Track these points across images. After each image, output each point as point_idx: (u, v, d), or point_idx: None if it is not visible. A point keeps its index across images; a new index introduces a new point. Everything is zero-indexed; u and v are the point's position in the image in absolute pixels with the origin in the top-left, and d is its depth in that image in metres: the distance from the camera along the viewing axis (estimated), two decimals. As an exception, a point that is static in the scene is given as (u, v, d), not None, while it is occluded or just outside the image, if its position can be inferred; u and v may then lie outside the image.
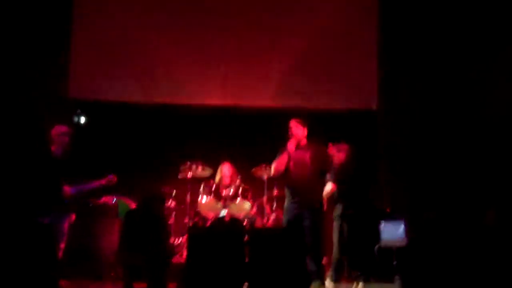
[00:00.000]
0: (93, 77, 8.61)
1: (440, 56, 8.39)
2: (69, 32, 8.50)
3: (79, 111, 8.64)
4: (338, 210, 6.69)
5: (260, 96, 8.72)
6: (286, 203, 6.56)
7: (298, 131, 6.50)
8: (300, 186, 6.36)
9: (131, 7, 8.69)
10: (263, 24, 8.79)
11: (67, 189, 6.48)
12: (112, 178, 6.71)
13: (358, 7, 8.90)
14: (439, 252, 6.90)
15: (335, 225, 6.71)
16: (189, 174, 7.83)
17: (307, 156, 6.43)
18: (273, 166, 6.58)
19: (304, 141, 6.53)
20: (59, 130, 6.58)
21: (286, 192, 6.62)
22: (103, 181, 6.64)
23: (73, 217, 6.72)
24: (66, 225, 6.52)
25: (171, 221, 7.77)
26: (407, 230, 6.95)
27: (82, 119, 8.59)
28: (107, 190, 7.20)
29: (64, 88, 8.47)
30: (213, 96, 8.69)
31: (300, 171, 6.40)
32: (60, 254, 6.46)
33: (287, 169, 6.46)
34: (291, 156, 6.42)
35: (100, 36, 8.61)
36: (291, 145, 6.41)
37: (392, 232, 7.01)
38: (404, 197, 8.07)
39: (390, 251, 6.72)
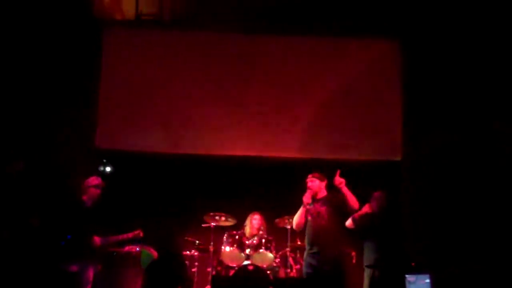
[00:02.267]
0: (120, 127, 8.75)
1: (464, 108, 8.40)
2: (97, 82, 8.69)
3: (105, 160, 8.76)
4: (369, 259, 6.67)
5: (285, 148, 8.77)
6: (305, 255, 6.58)
7: (313, 184, 6.64)
8: (319, 238, 6.41)
9: (158, 61, 8.86)
10: (290, 76, 8.92)
11: (97, 239, 6.58)
12: (139, 233, 6.97)
13: (383, 62, 9.00)
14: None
15: (366, 273, 6.69)
16: (213, 224, 7.87)
17: (323, 208, 6.52)
18: (294, 220, 6.72)
19: (323, 193, 6.66)
20: (92, 182, 6.76)
21: (306, 244, 6.66)
22: (130, 235, 6.92)
23: (99, 267, 6.80)
24: (91, 274, 6.58)
25: (194, 270, 7.75)
26: (433, 284, 6.84)
27: (108, 169, 8.70)
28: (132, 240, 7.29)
29: (91, 138, 8.61)
30: (239, 147, 8.76)
31: (318, 223, 6.47)
32: None
33: (306, 222, 6.57)
34: (308, 209, 6.54)
35: (127, 88, 8.78)
36: (306, 198, 6.55)
37: (418, 285, 6.90)
38: (428, 250, 7.95)
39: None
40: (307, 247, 6.59)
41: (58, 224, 6.60)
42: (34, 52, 8.33)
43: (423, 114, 8.65)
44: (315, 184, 6.64)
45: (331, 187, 6.63)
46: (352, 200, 6.45)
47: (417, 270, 7.14)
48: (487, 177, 8.10)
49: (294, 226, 6.78)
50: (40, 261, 6.56)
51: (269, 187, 8.62)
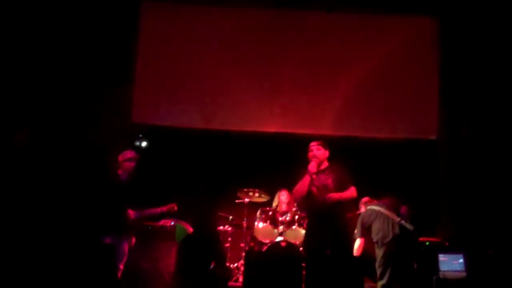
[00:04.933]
0: (156, 103, 8.83)
1: (501, 87, 8.28)
2: (134, 59, 8.76)
3: (141, 135, 8.86)
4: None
5: (319, 125, 8.74)
6: (308, 229, 6.36)
7: (319, 153, 6.24)
8: (324, 212, 6.06)
9: (194, 37, 8.89)
10: (325, 53, 8.87)
11: (131, 213, 6.69)
12: (173, 206, 6.95)
13: (419, 39, 8.87)
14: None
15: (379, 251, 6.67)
16: (246, 200, 7.94)
17: (329, 180, 6.15)
18: (295, 189, 6.29)
19: (325, 164, 6.28)
20: (126, 156, 6.83)
21: (309, 217, 6.44)
22: (164, 208, 6.90)
23: (134, 240, 6.91)
24: (126, 247, 6.70)
25: (227, 245, 7.86)
26: (467, 263, 6.82)
27: (144, 144, 8.80)
28: (166, 214, 7.38)
29: (127, 114, 8.70)
30: (272, 124, 8.77)
31: (324, 195, 6.08)
32: (119, 274, 6.62)
33: (309, 193, 6.17)
34: (313, 179, 6.18)
35: (163, 64, 8.86)
36: (312, 168, 6.13)
37: (451, 264, 6.89)
38: (464, 229, 7.91)
39: (449, 282, 6.59)
40: (311, 221, 6.34)
41: (94, 198, 6.72)
42: (72, 28, 8.46)
43: (460, 93, 8.54)
44: (321, 153, 6.25)
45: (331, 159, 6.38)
46: (347, 196, 6.17)
47: (451, 250, 7.12)
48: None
49: (295, 196, 6.46)
50: (76, 233, 6.71)
51: (301, 164, 8.61)
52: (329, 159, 6.34)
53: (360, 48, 8.90)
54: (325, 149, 6.31)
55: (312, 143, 6.34)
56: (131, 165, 6.84)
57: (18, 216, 6.91)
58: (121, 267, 6.70)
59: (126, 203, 6.69)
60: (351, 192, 6.13)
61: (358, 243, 6.92)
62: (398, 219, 6.70)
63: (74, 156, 8.08)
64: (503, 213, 7.84)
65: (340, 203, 6.07)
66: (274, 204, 8.12)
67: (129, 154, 6.88)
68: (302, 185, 6.17)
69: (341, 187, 6.13)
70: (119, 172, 6.85)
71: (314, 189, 6.14)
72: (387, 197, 7.03)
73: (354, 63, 8.87)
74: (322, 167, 6.25)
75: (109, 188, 6.72)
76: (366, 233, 6.89)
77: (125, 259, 6.71)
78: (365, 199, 7.34)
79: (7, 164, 7.22)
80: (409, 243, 6.68)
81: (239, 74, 8.83)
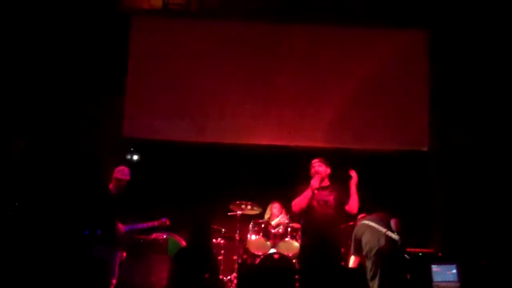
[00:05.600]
0: (147, 116, 8.80)
1: (491, 97, 8.36)
2: (124, 73, 8.75)
3: (132, 149, 8.84)
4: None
5: (311, 137, 8.75)
6: (303, 243, 6.46)
7: (321, 169, 6.42)
8: (323, 227, 6.22)
9: (185, 50, 8.90)
10: (317, 66, 8.91)
11: (121, 227, 6.66)
12: (165, 221, 7.00)
13: (409, 51, 8.94)
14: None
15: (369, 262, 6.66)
16: (239, 212, 7.92)
17: (331, 197, 6.34)
18: (295, 202, 6.40)
19: (327, 182, 6.45)
20: (119, 172, 6.83)
21: (304, 231, 6.51)
22: (155, 223, 6.94)
23: (124, 254, 6.87)
24: (117, 261, 6.66)
25: (220, 258, 7.81)
26: (460, 274, 6.81)
27: (135, 157, 8.77)
28: (158, 228, 7.36)
29: (118, 128, 8.67)
30: (265, 136, 8.77)
31: (324, 211, 6.27)
32: None
33: (309, 207, 6.31)
34: (314, 194, 6.31)
35: (154, 77, 8.85)
36: (315, 183, 6.29)
37: (444, 275, 6.88)
38: (458, 240, 7.92)
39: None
40: (306, 235, 6.44)
41: (84, 210, 6.69)
42: (63, 42, 8.48)
43: (450, 105, 8.62)
44: (322, 169, 6.43)
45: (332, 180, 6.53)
46: (355, 203, 6.34)
47: (444, 260, 7.11)
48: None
49: (294, 208, 6.47)
50: (65, 246, 6.67)
51: (294, 176, 8.60)
52: (330, 176, 6.49)
53: (352, 61, 8.96)
54: (327, 166, 6.49)
55: (315, 160, 6.53)
56: (121, 183, 6.84)
57: (10, 226, 6.90)
58: (114, 281, 6.66)
59: (116, 216, 6.68)
60: (356, 204, 6.36)
61: (352, 260, 6.91)
62: (384, 230, 6.68)
63: (65, 169, 8.05)
64: (497, 223, 7.86)
65: (339, 220, 6.23)
66: (266, 216, 8.12)
67: (118, 173, 6.87)
68: (303, 199, 6.31)
69: (341, 207, 6.35)
70: (110, 186, 6.85)
71: (315, 203, 6.30)
72: (377, 211, 7.03)
73: (345, 76, 8.92)
74: (324, 184, 6.43)
75: (99, 201, 6.72)
76: (359, 248, 6.87)
77: (116, 273, 6.67)
78: (360, 215, 7.33)
79: (2, 173, 7.23)
80: (396, 254, 6.65)
81: (231, 87, 8.85)
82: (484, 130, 8.38)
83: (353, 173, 6.48)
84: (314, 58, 8.94)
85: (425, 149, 8.73)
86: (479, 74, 8.51)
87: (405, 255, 6.71)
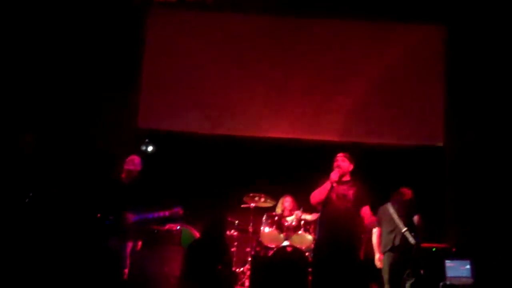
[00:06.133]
0: (162, 108, 8.85)
1: (507, 92, 8.30)
2: (140, 64, 8.80)
3: (147, 140, 8.87)
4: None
5: (325, 131, 8.76)
6: (319, 235, 6.38)
7: (344, 164, 6.32)
8: (340, 220, 6.15)
9: (200, 42, 8.92)
10: (332, 60, 8.91)
11: (130, 217, 6.63)
12: (179, 210, 6.82)
13: (426, 46, 8.91)
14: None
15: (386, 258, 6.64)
16: (252, 205, 7.93)
17: (351, 191, 6.25)
18: (313, 194, 6.33)
19: (347, 177, 6.36)
20: (131, 162, 6.82)
21: (321, 223, 6.42)
22: (167, 212, 6.77)
23: (140, 243, 6.86)
24: (127, 251, 6.66)
25: (233, 249, 7.82)
26: (474, 270, 6.79)
27: (150, 148, 8.80)
28: (171, 218, 7.36)
29: (134, 119, 8.74)
30: (279, 129, 8.78)
31: (342, 204, 6.18)
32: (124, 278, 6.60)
33: (327, 200, 6.24)
34: (334, 187, 6.24)
35: (169, 69, 8.89)
36: (335, 176, 6.20)
37: (458, 270, 6.86)
38: (472, 235, 7.88)
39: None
40: (323, 228, 6.34)
41: (92, 202, 6.70)
42: (79, 36, 8.54)
43: (466, 100, 8.58)
44: (345, 165, 6.33)
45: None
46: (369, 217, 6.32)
47: (458, 256, 7.10)
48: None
49: (312, 200, 6.37)
50: (77, 238, 6.69)
51: (308, 169, 8.59)
52: (352, 173, 6.41)
53: (368, 56, 8.94)
54: (350, 162, 6.39)
55: (339, 154, 6.44)
56: (134, 171, 6.83)
57: (23, 218, 6.95)
58: (126, 271, 6.68)
59: (126, 206, 6.64)
60: (367, 214, 6.29)
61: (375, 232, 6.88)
62: (404, 228, 6.64)
63: (80, 161, 8.10)
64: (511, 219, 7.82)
65: (356, 215, 6.20)
66: (278, 210, 8.11)
67: (134, 161, 6.87)
68: (322, 191, 6.25)
69: (360, 203, 6.26)
70: (123, 175, 6.84)
71: (334, 196, 6.23)
72: (406, 195, 6.93)
73: (361, 70, 8.90)
74: (345, 179, 6.34)
75: (108, 191, 6.71)
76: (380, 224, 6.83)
77: (128, 263, 6.69)
78: None
79: (15, 167, 7.27)
80: (409, 256, 6.62)
81: (246, 80, 8.87)
82: (499, 126, 8.33)
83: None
84: (330, 53, 8.94)
85: (440, 144, 8.69)
86: (495, 70, 8.46)
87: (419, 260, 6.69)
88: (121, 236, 6.58)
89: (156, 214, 6.73)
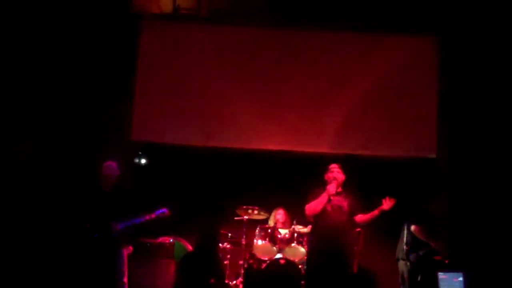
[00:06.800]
0: (155, 120, 8.82)
1: (500, 104, 8.32)
2: (134, 76, 8.78)
3: (140, 152, 8.86)
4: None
5: (317, 143, 8.74)
6: (311, 246, 6.49)
7: (339, 175, 6.47)
8: (334, 232, 6.26)
9: (194, 54, 8.90)
10: (324, 72, 8.89)
11: (114, 225, 6.53)
12: (165, 211, 6.70)
13: (418, 57, 8.90)
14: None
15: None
16: (245, 217, 7.92)
17: (345, 203, 6.39)
18: (309, 205, 6.42)
19: (340, 188, 6.49)
20: (104, 168, 6.77)
21: (314, 234, 6.54)
22: (153, 215, 6.63)
23: (131, 248, 6.79)
24: (122, 261, 6.61)
25: (226, 262, 7.80)
26: (466, 283, 6.78)
27: (143, 161, 8.79)
28: (163, 229, 7.33)
29: (127, 131, 8.70)
30: (273, 141, 8.74)
31: (337, 216, 6.31)
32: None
33: (322, 212, 6.33)
34: (331, 199, 6.34)
35: (163, 81, 8.86)
36: (332, 189, 6.33)
37: (451, 283, 6.86)
38: (465, 247, 7.88)
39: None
40: (316, 240, 6.45)
41: (77, 214, 6.64)
42: (72, 44, 8.50)
43: (459, 112, 8.57)
44: (340, 176, 6.48)
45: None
46: (365, 220, 6.46)
47: (450, 268, 7.09)
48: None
49: (308, 212, 6.48)
50: (68, 250, 6.64)
51: (300, 181, 8.60)
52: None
53: (360, 67, 8.91)
54: (343, 173, 6.54)
55: (333, 165, 6.58)
56: (112, 177, 6.76)
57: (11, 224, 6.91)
58: (125, 281, 6.62)
59: (110, 216, 6.56)
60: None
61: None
62: (405, 247, 6.72)
63: (70, 172, 8.07)
64: (505, 231, 7.82)
65: (350, 227, 6.33)
66: (271, 222, 8.11)
67: (110, 166, 6.80)
68: (318, 204, 6.36)
69: (353, 214, 6.45)
70: (102, 184, 6.77)
71: (329, 208, 6.34)
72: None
73: (353, 81, 8.87)
74: (338, 190, 6.45)
75: (90, 202, 6.64)
76: None
77: (125, 272, 6.62)
78: None
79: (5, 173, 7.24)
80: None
81: (239, 92, 8.83)
82: (493, 138, 8.34)
83: (388, 203, 6.47)
84: (322, 64, 8.92)
85: (433, 156, 8.70)
86: (488, 81, 8.46)
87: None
88: (111, 247, 6.52)
89: (142, 218, 6.60)
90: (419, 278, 6.83)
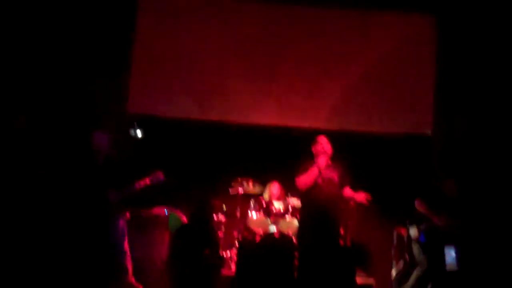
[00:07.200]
0: (152, 93, 8.81)
1: (497, 82, 8.35)
2: (131, 48, 8.75)
3: (136, 125, 8.84)
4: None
5: (314, 119, 8.75)
6: (303, 218, 6.53)
7: (328, 148, 6.46)
8: (326, 205, 6.29)
9: (192, 28, 8.87)
10: (322, 48, 8.86)
11: (112, 193, 6.52)
12: (158, 174, 6.64)
13: (416, 33, 8.88)
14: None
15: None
16: (240, 190, 7.96)
17: (335, 175, 6.40)
18: (300, 180, 6.45)
19: (329, 160, 6.49)
20: (95, 138, 6.71)
21: (305, 206, 6.58)
22: (147, 180, 6.59)
23: (128, 216, 6.83)
24: (120, 229, 6.64)
25: (221, 234, 7.83)
26: (459, 257, 6.84)
27: (139, 133, 8.77)
28: (158, 200, 7.34)
29: (123, 103, 8.71)
30: (268, 116, 8.78)
31: (329, 188, 6.33)
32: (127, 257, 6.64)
33: (313, 185, 6.36)
34: (322, 173, 6.34)
35: (161, 54, 8.82)
36: (322, 162, 6.33)
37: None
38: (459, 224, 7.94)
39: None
40: (308, 212, 6.50)
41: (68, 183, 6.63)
42: (67, 17, 8.47)
43: (456, 90, 8.61)
44: (329, 148, 6.47)
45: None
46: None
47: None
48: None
49: (299, 186, 6.52)
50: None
51: (296, 156, 8.62)
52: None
53: (357, 44, 8.90)
54: (331, 145, 6.52)
55: (322, 137, 6.56)
56: (103, 146, 6.70)
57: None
58: (126, 247, 6.66)
59: (103, 185, 6.53)
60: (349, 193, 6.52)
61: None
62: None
63: (67, 145, 8.05)
64: (498, 208, 7.87)
65: (341, 198, 6.29)
66: (266, 196, 8.12)
67: (98, 136, 6.74)
68: (309, 177, 6.37)
69: (343, 185, 6.49)
70: (96, 154, 6.72)
71: (320, 181, 6.34)
72: None
73: (351, 58, 8.88)
74: (328, 162, 6.44)
75: (82, 173, 6.59)
76: None
77: (125, 240, 6.66)
78: None
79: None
80: None
81: (237, 67, 8.83)
82: (488, 117, 8.37)
83: (361, 196, 6.52)
84: (319, 40, 8.88)
85: (428, 133, 8.73)
86: (485, 59, 8.49)
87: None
88: (108, 216, 6.52)
89: (137, 185, 6.56)
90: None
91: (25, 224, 6.87)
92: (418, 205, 6.89)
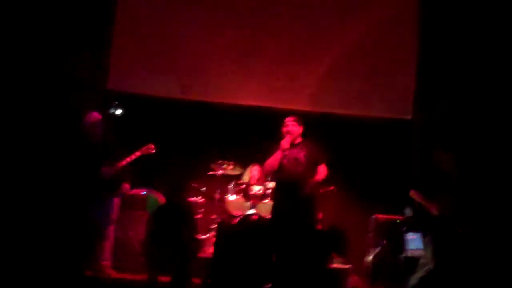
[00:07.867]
0: (133, 70, 8.73)
1: (479, 67, 8.33)
2: (111, 24, 8.63)
3: (116, 102, 8.74)
4: None
5: (295, 100, 8.70)
6: (275, 202, 6.53)
7: (294, 129, 6.41)
8: (292, 185, 6.23)
9: (174, 4, 8.80)
10: (303, 28, 8.81)
11: (105, 170, 6.61)
12: (149, 147, 6.86)
13: (399, 17, 8.86)
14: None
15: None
16: (220, 172, 7.92)
17: (301, 154, 6.33)
18: (265, 164, 6.47)
19: (299, 139, 6.45)
20: (89, 120, 6.78)
21: (275, 191, 6.59)
22: (138, 152, 6.79)
23: (128, 187, 6.95)
24: (111, 208, 6.75)
25: (199, 216, 7.83)
26: (428, 243, 6.86)
27: (119, 111, 8.67)
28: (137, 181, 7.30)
29: (103, 80, 8.61)
30: (249, 97, 8.74)
31: (293, 168, 6.27)
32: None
33: (280, 166, 6.34)
34: (285, 153, 6.32)
35: (142, 30, 8.73)
36: (285, 143, 6.29)
37: (418, 243, 6.96)
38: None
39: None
40: (278, 192, 6.50)
41: (61, 164, 6.61)
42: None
43: (437, 74, 8.61)
44: (295, 129, 6.42)
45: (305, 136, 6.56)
46: (321, 178, 6.40)
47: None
48: (503, 136, 8.06)
49: (265, 170, 6.65)
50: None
51: (277, 138, 8.61)
52: (303, 135, 6.48)
53: (339, 26, 8.86)
54: (300, 125, 6.47)
55: (288, 118, 6.47)
56: (95, 129, 6.73)
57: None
58: (109, 231, 6.75)
59: (97, 163, 6.62)
60: (322, 172, 6.34)
61: None
62: None
63: (46, 121, 7.97)
64: (476, 194, 7.91)
65: (306, 175, 6.20)
66: (245, 178, 8.11)
67: (91, 118, 6.79)
68: (273, 160, 6.34)
69: (313, 164, 6.32)
70: (86, 134, 6.77)
71: (285, 162, 6.30)
72: None
73: (332, 40, 8.85)
74: (295, 141, 6.39)
75: (75, 152, 6.66)
76: None
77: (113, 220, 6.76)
78: None
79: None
80: None
81: (216, 46, 8.76)
82: (470, 102, 8.38)
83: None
84: (302, 20, 8.83)
85: (408, 117, 8.73)
86: (468, 44, 8.47)
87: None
88: (101, 191, 6.61)
89: (129, 159, 6.73)
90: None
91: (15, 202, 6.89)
92: (413, 194, 6.87)
